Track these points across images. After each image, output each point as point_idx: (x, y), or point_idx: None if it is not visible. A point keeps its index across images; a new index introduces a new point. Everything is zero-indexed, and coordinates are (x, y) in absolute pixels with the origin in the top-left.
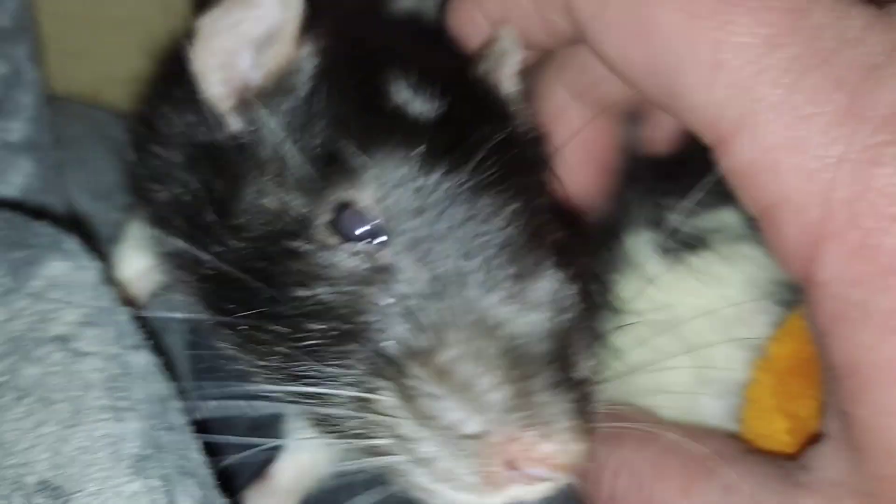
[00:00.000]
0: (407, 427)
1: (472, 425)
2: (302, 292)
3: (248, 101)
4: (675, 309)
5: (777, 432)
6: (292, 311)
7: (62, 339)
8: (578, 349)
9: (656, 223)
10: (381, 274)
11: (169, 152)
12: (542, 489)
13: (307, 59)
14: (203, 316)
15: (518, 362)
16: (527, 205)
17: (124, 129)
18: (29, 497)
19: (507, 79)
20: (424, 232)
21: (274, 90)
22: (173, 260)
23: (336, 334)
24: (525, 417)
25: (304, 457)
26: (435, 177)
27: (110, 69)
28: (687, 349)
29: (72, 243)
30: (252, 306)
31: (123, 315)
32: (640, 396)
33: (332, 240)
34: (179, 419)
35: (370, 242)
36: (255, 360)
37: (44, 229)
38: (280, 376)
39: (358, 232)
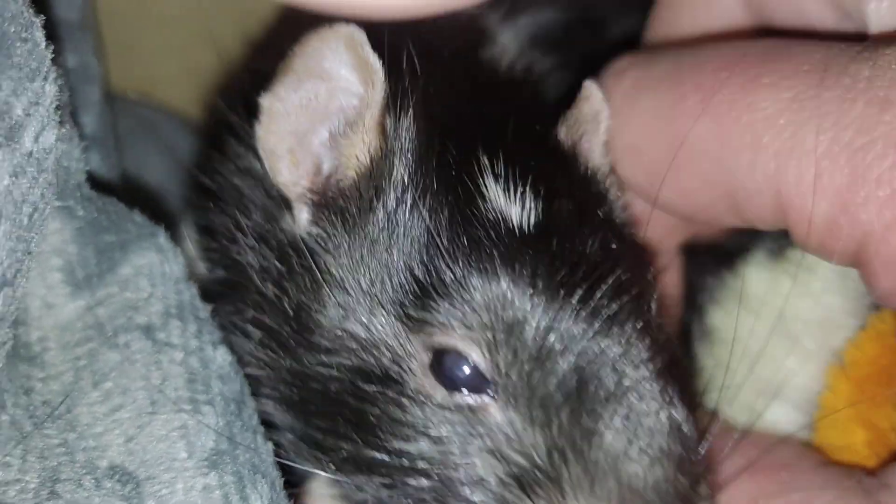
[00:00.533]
0: None
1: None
2: (398, 445)
3: (323, 195)
4: (763, 312)
5: (855, 444)
6: (386, 460)
7: (146, 329)
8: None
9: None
10: (485, 432)
11: (233, 225)
12: None
13: (395, 152)
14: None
15: None
16: (648, 331)
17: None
18: (99, 481)
19: (596, 147)
20: (539, 383)
21: (354, 187)
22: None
23: (433, 494)
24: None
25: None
26: (550, 312)
27: (161, 66)
28: (761, 354)
29: (162, 236)
30: (338, 437)
31: (205, 312)
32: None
33: (433, 388)
34: (254, 419)
35: (476, 394)
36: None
37: (138, 218)
38: None
39: (462, 379)
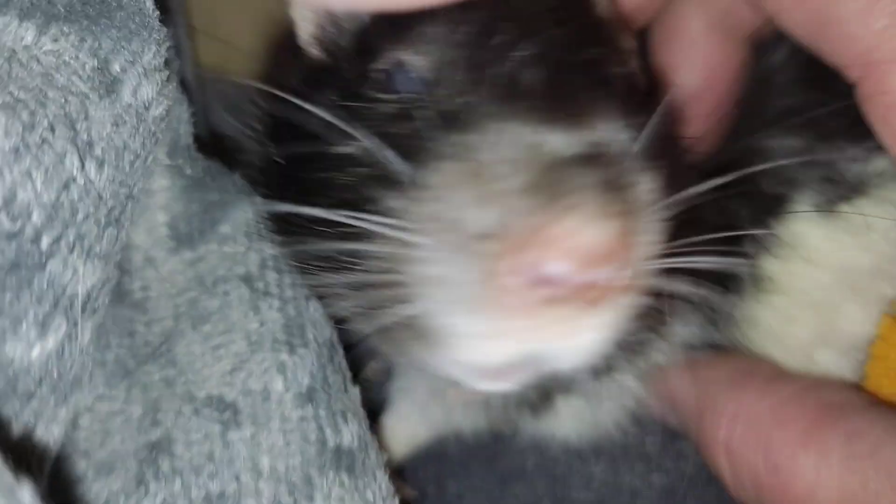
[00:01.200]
0: (411, 234)
1: (482, 219)
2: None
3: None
4: (817, 263)
5: None
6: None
7: (245, 278)
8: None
9: (827, 179)
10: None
11: None
12: (580, 325)
13: None
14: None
15: (548, 169)
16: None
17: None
18: (198, 409)
19: None
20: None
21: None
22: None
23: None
24: (546, 202)
25: (401, 423)
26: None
27: (235, 42)
28: (815, 302)
29: (257, 195)
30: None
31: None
32: (765, 349)
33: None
34: (343, 365)
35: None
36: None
37: (237, 179)
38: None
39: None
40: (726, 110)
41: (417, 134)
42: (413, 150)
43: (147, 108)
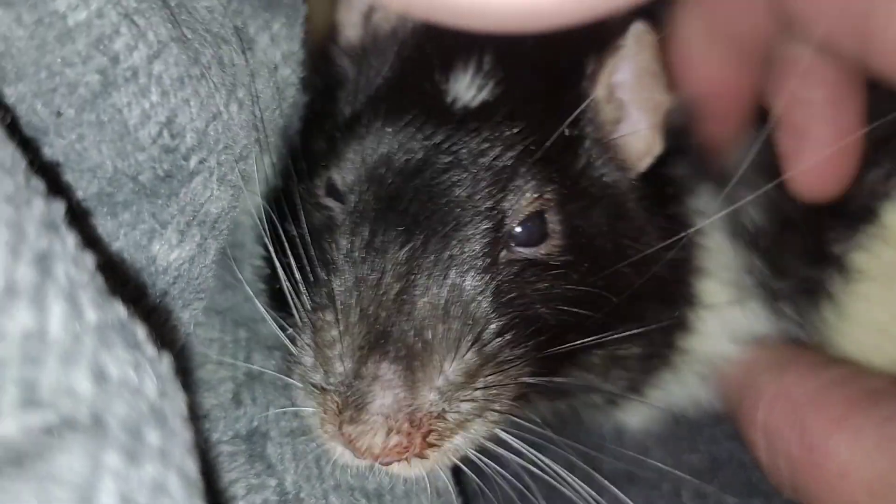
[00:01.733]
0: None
1: (317, 378)
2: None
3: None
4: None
5: None
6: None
7: None
8: (452, 351)
9: None
10: (335, 229)
11: None
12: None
13: (401, 30)
14: None
15: (378, 345)
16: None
17: None
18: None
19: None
20: (366, 203)
21: (367, 46)
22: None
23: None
24: (351, 395)
25: None
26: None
27: None
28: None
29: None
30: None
31: None
32: (850, 341)
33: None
34: None
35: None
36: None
37: None
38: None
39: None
40: (739, 120)
41: (329, 251)
42: (324, 265)
43: (276, 69)
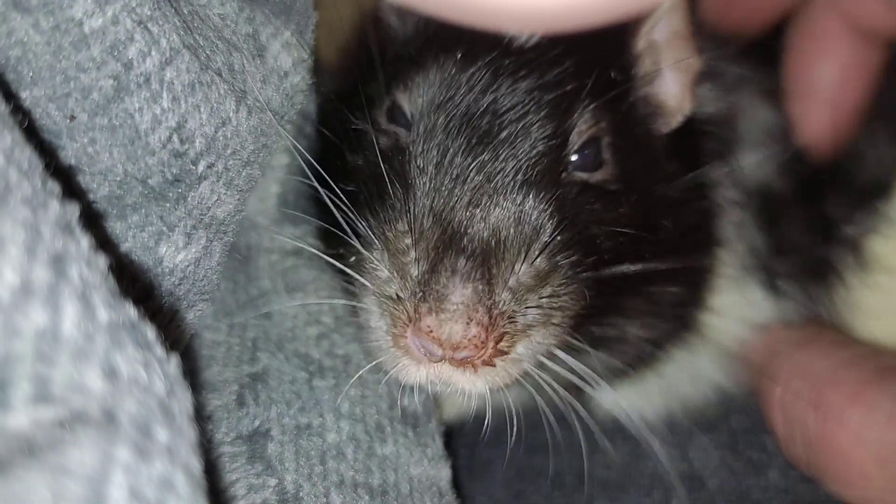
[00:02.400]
0: (368, 275)
1: (392, 288)
2: (357, 158)
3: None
4: None
5: None
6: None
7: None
8: (520, 259)
9: None
10: (403, 149)
11: None
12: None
13: None
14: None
15: (454, 243)
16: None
17: None
18: (288, 357)
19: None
20: (436, 123)
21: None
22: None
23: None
24: (430, 290)
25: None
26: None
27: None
28: None
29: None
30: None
31: None
32: (866, 326)
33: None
34: None
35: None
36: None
37: None
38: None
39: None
40: (856, 115)
41: (400, 169)
42: (396, 182)
43: (286, 75)
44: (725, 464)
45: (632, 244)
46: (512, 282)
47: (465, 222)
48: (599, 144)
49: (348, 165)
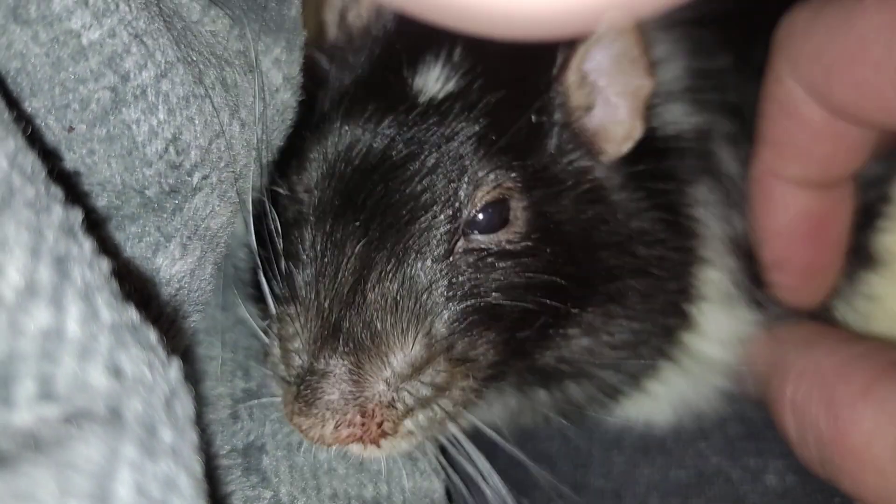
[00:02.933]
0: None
1: (281, 370)
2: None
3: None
4: None
5: None
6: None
7: None
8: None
9: None
10: (302, 223)
11: None
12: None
13: (374, 27)
14: None
15: (330, 339)
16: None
17: None
18: None
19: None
20: (328, 199)
21: (343, 45)
22: None
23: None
24: (303, 389)
25: None
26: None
27: None
28: None
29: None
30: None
31: None
32: (873, 323)
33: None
34: None
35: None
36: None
37: None
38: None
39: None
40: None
41: (296, 244)
42: (291, 258)
43: (277, 91)
44: (722, 471)
45: (556, 297)
46: (387, 373)
47: (343, 314)
48: (506, 204)
49: (264, 229)
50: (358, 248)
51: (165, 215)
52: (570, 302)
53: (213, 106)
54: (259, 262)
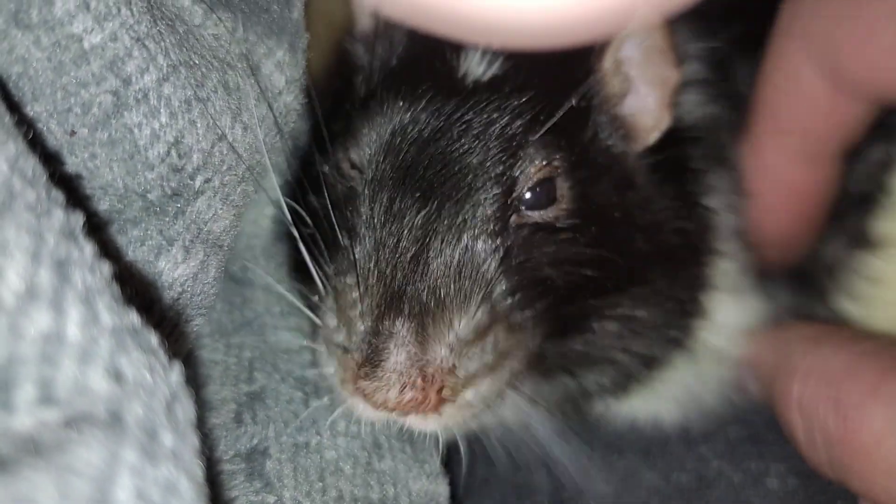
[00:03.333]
0: (322, 319)
1: (340, 338)
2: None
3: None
4: None
5: None
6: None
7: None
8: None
9: None
10: (356, 198)
11: None
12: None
13: None
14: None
15: (394, 304)
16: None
17: None
18: (284, 378)
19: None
20: (383, 173)
21: (379, 32)
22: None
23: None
24: (368, 352)
25: None
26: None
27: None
28: None
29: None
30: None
31: None
32: (873, 313)
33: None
34: None
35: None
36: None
37: None
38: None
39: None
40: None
41: (351, 218)
42: (346, 231)
43: (280, 94)
44: (724, 474)
45: (594, 281)
46: (451, 338)
47: (406, 280)
48: (553, 183)
49: (310, 207)
50: (418, 218)
51: (167, 219)
52: (612, 280)
53: (215, 109)
54: (302, 240)
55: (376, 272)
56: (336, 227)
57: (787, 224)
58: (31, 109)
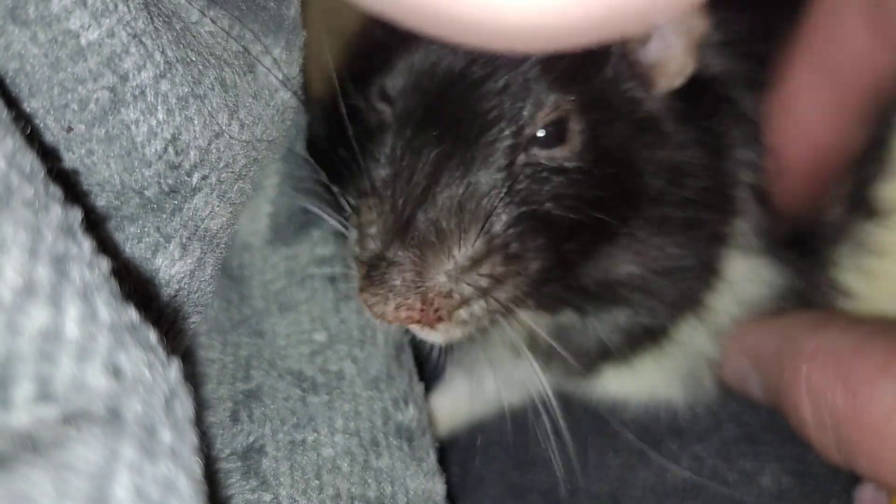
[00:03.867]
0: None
1: (357, 251)
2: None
3: None
4: None
5: None
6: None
7: (331, 280)
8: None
9: None
10: (384, 129)
11: None
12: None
13: None
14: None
15: (400, 232)
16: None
17: None
18: (281, 374)
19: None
20: (411, 108)
21: None
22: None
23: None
24: (373, 272)
25: (444, 400)
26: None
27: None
28: None
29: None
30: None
31: None
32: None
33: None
34: (411, 363)
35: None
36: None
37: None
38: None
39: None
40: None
41: (378, 147)
42: (372, 160)
43: (276, 91)
44: (718, 474)
45: (606, 215)
46: (449, 265)
47: (414, 210)
48: (565, 123)
49: (344, 138)
50: (433, 155)
51: (165, 216)
52: (615, 220)
53: (212, 106)
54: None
55: (391, 200)
56: (364, 154)
57: (804, 185)
58: (29, 105)
